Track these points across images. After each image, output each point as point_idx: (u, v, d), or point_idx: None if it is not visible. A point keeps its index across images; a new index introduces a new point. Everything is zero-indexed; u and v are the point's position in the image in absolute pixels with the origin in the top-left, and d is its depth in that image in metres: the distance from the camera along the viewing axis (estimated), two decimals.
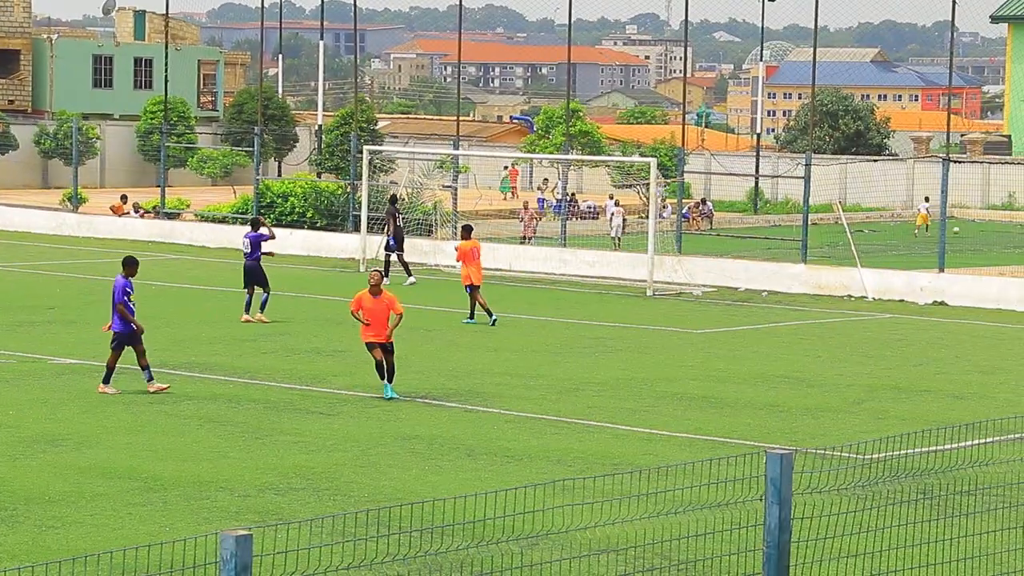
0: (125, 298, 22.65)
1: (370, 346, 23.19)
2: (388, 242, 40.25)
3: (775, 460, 9.95)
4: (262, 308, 31.01)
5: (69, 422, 20.73)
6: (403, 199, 48.26)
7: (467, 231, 33.78)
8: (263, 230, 31.87)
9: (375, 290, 23.20)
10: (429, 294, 37.62)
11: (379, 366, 23.12)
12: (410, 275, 39.40)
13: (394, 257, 40.01)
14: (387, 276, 37.07)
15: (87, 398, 22.49)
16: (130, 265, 23.09)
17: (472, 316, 32.38)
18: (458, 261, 33.41)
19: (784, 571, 9.95)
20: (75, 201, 54.39)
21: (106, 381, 22.92)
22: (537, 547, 14.56)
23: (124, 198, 56.63)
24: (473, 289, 32.37)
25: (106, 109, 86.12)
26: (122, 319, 22.64)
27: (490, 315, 31.95)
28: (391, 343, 23.14)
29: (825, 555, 11.95)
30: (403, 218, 42.28)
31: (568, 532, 13.99)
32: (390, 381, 23.08)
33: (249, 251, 31.50)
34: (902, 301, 38.53)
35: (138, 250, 46.61)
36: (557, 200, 58.83)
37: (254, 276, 31.30)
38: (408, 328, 31.34)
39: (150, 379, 22.95)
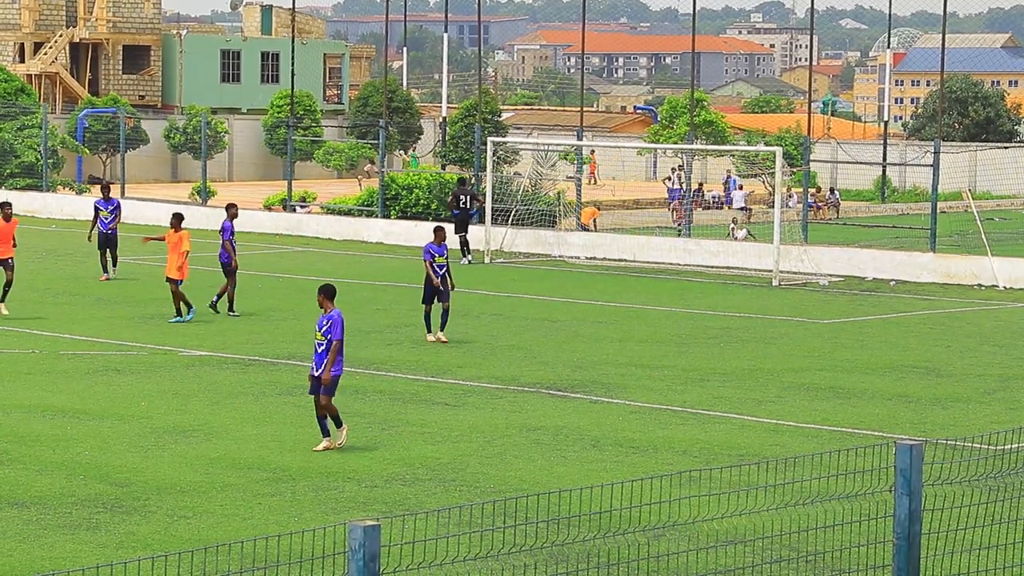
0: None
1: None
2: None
3: (905, 451, 9.84)
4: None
5: (199, 413, 20.98)
6: (526, 190, 48.28)
7: (179, 219, 30.29)
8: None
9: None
10: (553, 285, 37.62)
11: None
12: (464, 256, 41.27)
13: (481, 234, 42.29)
14: (470, 255, 41.86)
15: (216, 390, 22.75)
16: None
17: (179, 313, 29.71)
18: (161, 239, 30.38)
19: (914, 563, 9.84)
20: (204, 195, 55.01)
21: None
22: (663, 538, 14.52)
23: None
24: (173, 283, 29.79)
25: (234, 103, 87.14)
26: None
27: (181, 312, 29.67)
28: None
29: (956, 547, 11.80)
30: (477, 203, 43.35)
31: (694, 523, 13.93)
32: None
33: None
34: None
35: (265, 243, 47.09)
36: (675, 188, 58.63)
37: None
38: (533, 320, 31.40)
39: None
